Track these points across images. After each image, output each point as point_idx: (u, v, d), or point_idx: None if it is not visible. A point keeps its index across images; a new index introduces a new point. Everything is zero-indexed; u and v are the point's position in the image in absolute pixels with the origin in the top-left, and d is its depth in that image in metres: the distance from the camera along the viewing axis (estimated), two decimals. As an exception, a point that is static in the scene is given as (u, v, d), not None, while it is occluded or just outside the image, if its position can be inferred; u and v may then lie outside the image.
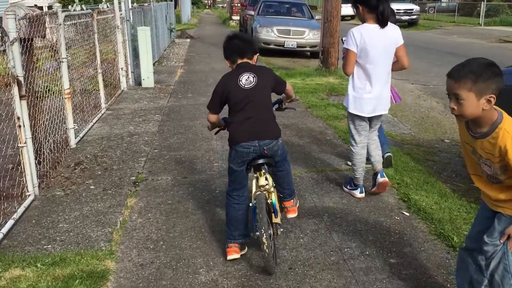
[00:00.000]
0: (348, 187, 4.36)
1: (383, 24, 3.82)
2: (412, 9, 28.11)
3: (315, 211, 3.97)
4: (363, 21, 3.92)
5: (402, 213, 3.94)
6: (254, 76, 3.04)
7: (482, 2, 31.00)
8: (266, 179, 3.14)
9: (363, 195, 4.24)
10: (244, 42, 3.16)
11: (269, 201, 3.16)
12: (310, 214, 3.90)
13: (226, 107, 3.17)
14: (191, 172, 4.82)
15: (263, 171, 3.15)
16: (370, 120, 4.12)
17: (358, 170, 4.17)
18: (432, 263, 3.21)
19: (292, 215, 3.51)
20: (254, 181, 3.23)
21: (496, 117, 2.13)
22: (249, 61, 3.16)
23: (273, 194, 3.21)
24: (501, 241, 2.27)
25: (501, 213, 2.31)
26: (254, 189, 3.19)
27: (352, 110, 4.02)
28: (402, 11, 27.04)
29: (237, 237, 3.22)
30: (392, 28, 3.93)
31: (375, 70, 3.92)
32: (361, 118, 4.04)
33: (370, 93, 3.95)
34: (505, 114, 2.16)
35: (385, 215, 3.90)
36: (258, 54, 3.25)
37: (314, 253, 3.32)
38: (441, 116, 7.48)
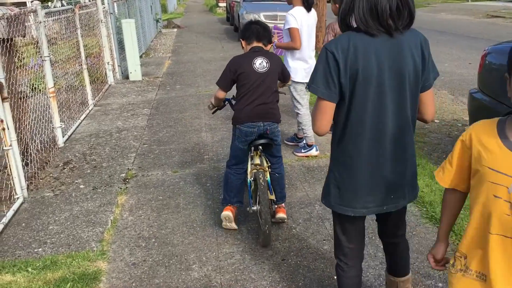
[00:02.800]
0: (302, 151, 4.95)
1: (308, 9, 4.66)
2: (399, -12, 27.90)
3: (307, 200, 3.96)
4: (291, 3, 4.72)
5: (394, 197, 3.93)
6: (268, 62, 3.28)
7: (469, -22, 30.83)
8: (260, 157, 3.41)
9: (318, 152, 4.91)
10: (264, 29, 3.40)
11: (265, 178, 3.32)
12: (302, 203, 3.89)
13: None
14: (182, 166, 4.78)
15: (259, 151, 3.40)
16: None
17: (309, 129, 4.83)
18: (424, 247, 3.21)
19: (281, 214, 3.55)
20: (249, 160, 3.48)
21: None
22: (263, 47, 3.37)
23: (267, 173, 3.39)
24: None
25: None
26: (249, 168, 3.44)
27: (296, 79, 4.74)
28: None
29: (235, 202, 3.49)
30: (313, 12, 4.77)
31: (307, 44, 4.73)
32: (302, 84, 4.75)
33: (306, 64, 4.75)
34: None
35: (377, 201, 3.89)
36: (272, 45, 3.52)
37: (306, 243, 3.31)
38: (430, 96, 7.47)
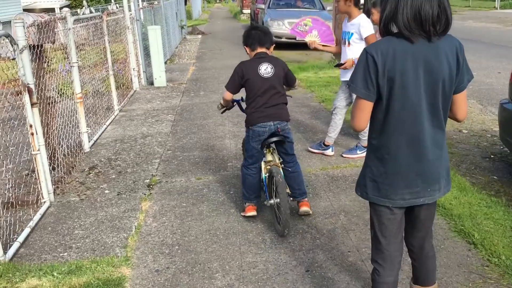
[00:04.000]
0: (319, 148, 5.17)
1: (368, 16, 4.72)
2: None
3: (331, 210, 3.90)
4: (347, 12, 4.73)
5: (421, 209, 3.85)
6: (272, 67, 3.50)
7: (498, -15, 30.34)
8: (272, 154, 3.68)
9: (333, 152, 5.11)
10: (264, 34, 3.58)
11: (280, 172, 3.54)
12: (326, 214, 3.84)
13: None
14: (205, 173, 4.78)
15: (271, 148, 3.69)
16: None
17: (336, 130, 5.03)
18: (453, 261, 3.12)
19: (305, 208, 3.74)
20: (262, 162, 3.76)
21: None
22: (267, 51, 3.58)
23: (280, 168, 3.60)
24: None
25: None
26: (263, 165, 3.73)
27: None
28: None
29: (253, 199, 3.77)
30: None
31: None
32: None
33: None
34: None
35: (403, 212, 3.81)
36: (274, 45, 3.69)
37: (331, 254, 3.26)
38: (458, 106, 7.32)
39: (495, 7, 29.31)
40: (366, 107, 2.04)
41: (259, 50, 3.55)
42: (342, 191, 4.25)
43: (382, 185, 2.11)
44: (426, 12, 1.89)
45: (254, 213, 3.74)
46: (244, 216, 3.78)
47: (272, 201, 3.53)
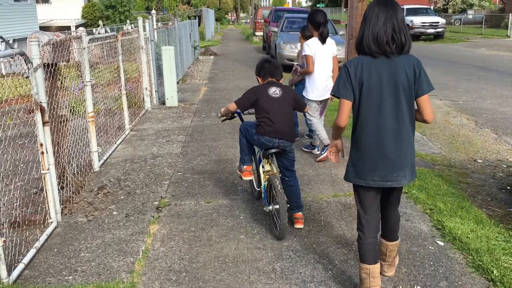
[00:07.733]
0: (309, 149, 6.13)
1: (322, 41, 5.55)
2: (438, 22, 27.64)
3: (344, 239, 3.80)
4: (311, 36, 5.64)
5: (436, 242, 3.73)
6: (280, 90, 3.87)
7: (510, 14, 30.38)
8: (271, 165, 3.99)
9: (319, 152, 5.94)
10: (275, 67, 3.99)
11: (279, 181, 3.82)
12: (339, 243, 3.73)
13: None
14: (215, 197, 4.71)
15: (270, 159, 3.99)
16: (321, 102, 5.76)
17: (322, 133, 5.69)
18: (471, 300, 3.00)
19: (299, 225, 3.97)
20: (260, 168, 4.07)
21: None
22: (276, 81, 3.97)
23: (278, 177, 3.87)
24: None
25: None
26: (262, 174, 4.03)
27: (311, 97, 5.65)
28: (428, 24, 26.69)
29: (248, 160, 4.17)
30: (330, 42, 5.60)
31: (321, 69, 5.60)
32: (316, 102, 5.67)
33: (321, 85, 5.61)
34: None
35: (418, 245, 3.69)
36: (282, 78, 4.06)
37: (344, 287, 3.15)
38: (472, 134, 7.21)
39: (507, 35, 29.29)
40: (346, 105, 2.73)
41: (270, 79, 3.94)
42: (355, 219, 4.12)
43: (358, 168, 2.78)
44: (381, 37, 2.64)
45: (251, 177, 4.25)
46: (242, 178, 4.22)
47: (270, 207, 3.84)
